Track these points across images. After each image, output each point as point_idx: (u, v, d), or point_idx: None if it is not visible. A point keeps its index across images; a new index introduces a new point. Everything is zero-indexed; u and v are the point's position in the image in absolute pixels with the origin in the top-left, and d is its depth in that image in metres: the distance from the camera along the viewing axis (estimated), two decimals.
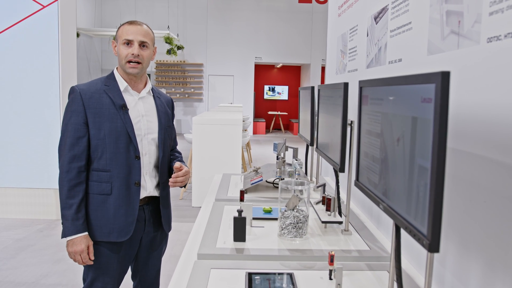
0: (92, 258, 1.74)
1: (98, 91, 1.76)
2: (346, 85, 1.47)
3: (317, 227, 1.75)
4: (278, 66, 16.61)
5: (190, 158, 5.74)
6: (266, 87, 16.66)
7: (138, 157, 1.77)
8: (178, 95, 13.89)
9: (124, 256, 1.83)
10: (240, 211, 1.54)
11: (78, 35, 11.39)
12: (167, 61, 13.70)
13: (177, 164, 1.83)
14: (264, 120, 15.22)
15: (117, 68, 1.86)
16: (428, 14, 1.41)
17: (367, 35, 2.11)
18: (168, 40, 11.45)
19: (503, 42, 1.00)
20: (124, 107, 1.76)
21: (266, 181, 2.50)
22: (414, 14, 1.54)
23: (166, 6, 13.47)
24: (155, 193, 1.88)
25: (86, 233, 1.72)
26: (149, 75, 14.12)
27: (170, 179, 1.83)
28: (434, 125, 0.75)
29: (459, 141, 1.17)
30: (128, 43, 1.76)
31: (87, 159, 1.74)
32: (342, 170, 1.50)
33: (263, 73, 16.59)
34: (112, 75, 1.84)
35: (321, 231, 1.71)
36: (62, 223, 1.71)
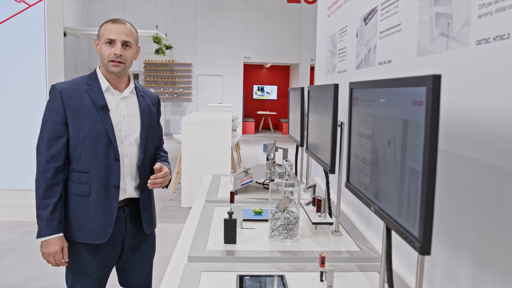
0: (66, 260, 1.70)
1: (79, 90, 1.71)
2: (336, 86, 1.47)
3: (307, 228, 1.75)
4: (267, 66, 16.62)
5: (179, 159, 5.71)
6: (255, 87, 16.65)
7: (117, 160, 1.74)
8: (166, 95, 13.81)
9: (105, 258, 1.79)
10: (230, 213, 1.53)
11: (65, 34, 11.26)
12: (155, 60, 13.61)
13: (157, 165, 1.77)
14: (253, 120, 15.21)
15: (99, 67, 1.80)
16: (418, 16, 1.42)
17: (357, 36, 2.12)
18: (157, 40, 11.38)
19: (492, 45, 1.01)
20: (105, 108, 1.72)
21: (256, 182, 2.49)
22: (403, 16, 1.55)
23: (154, 6, 13.38)
24: (136, 195, 1.84)
25: (61, 234, 1.68)
26: (137, 75, 14.01)
27: (149, 181, 1.78)
28: (426, 128, 0.75)
29: (449, 143, 1.17)
30: (111, 42, 1.71)
31: (66, 160, 1.71)
32: (332, 171, 1.50)
33: (252, 73, 16.59)
34: (94, 74, 1.78)
35: (312, 232, 1.71)
36: (37, 223, 1.67)
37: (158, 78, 13.83)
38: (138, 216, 1.87)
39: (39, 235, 1.66)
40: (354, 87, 1.24)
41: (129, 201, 1.83)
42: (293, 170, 2.53)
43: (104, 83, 1.76)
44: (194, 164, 5.22)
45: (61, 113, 1.67)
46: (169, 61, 13.68)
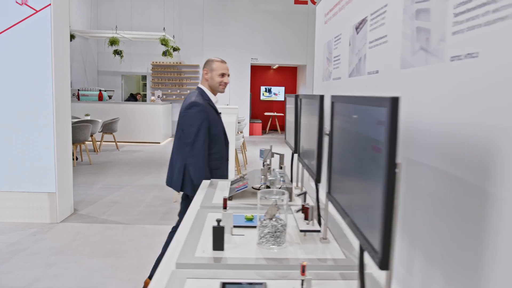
0: None
1: (206, 104, 2.78)
2: (321, 97, 1.50)
3: (296, 235, 1.78)
4: (274, 67, 16.64)
5: None
6: (263, 88, 16.69)
7: (227, 145, 2.96)
8: (174, 97, 13.91)
9: None
10: (218, 220, 1.57)
11: (74, 36, 11.40)
12: (163, 62, 13.72)
13: None
14: (260, 121, 15.25)
15: (203, 87, 2.90)
16: (401, 29, 1.45)
17: (349, 45, 2.14)
18: (164, 42, 11.47)
19: (463, 62, 1.03)
20: (219, 114, 2.91)
21: (253, 187, 2.52)
22: (389, 28, 1.58)
23: (162, 8, 13.48)
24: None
25: None
26: (145, 76, 14.13)
27: None
28: (386, 148, 0.78)
29: (423, 155, 1.20)
30: (223, 75, 2.86)
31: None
32: (318, 180, 1.53)
33: (260, 74, 16.62)
34: (204, 93, 2.88)
35: (300, 239, 1.73)
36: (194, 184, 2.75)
37: (166, 79, 13.94)
38: None
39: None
40: (335, 100, 1.27)
41: None
42: (289, 176, 2.56)
43: (213, 98, 2.91)
44: None
45: (207, 120, 2.72)
46: (177, 62, 13.78)
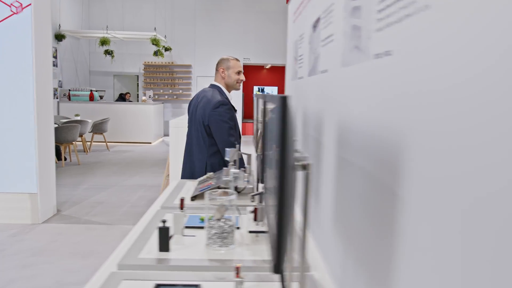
0: None
1: (227, 100, 2.91)
2: (265, 96, 1.48)
3: (248, 237, 1.76)
4: (267, 67, 16.62)
5: (168, 163, 5.74)
6: (256, 88, 16.67)
7: (240, 139, 2.99)
8: (166, 97, 13.88)
9: None
10: (164, 221, 1.55)
11: (64, 37, 11.37)
12: (155, 62, 13.69)
13: None
14: (253, 121, 15.20)
15: (220, 85, 3.00)
16: (342, 28, 1.43)
17: (309, 44, 2.13)
18: (155, 42, 11.44)
19: (383, 60, 1.02)
20: (236, 111, 2.98)
21: (219, 187, 2.51)
22: (335, 26, 1.56)
23: (153, 8, 13.45)
24: None
25: None
26: (137, 76, 14.11)
27: None
28: (279, 148, 0.77)
29: (349, 153, 1.18)
30: (239, 72, 2.99)
31: None
32: (262, 181, 1.51)
33: (253, 74, 16.60)
34: (222, 91, 2.99)
35: (251, 240, 1.72)
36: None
37: (158, 79, 13.91)
38: None
39: None
40: (263, 99, 1.25)
41: None
42: (254, 176, 2.55)
43: (229, 96, 3.02)
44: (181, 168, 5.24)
45: (233, 117, 2.88)
46: (169, 62, 13.75)
